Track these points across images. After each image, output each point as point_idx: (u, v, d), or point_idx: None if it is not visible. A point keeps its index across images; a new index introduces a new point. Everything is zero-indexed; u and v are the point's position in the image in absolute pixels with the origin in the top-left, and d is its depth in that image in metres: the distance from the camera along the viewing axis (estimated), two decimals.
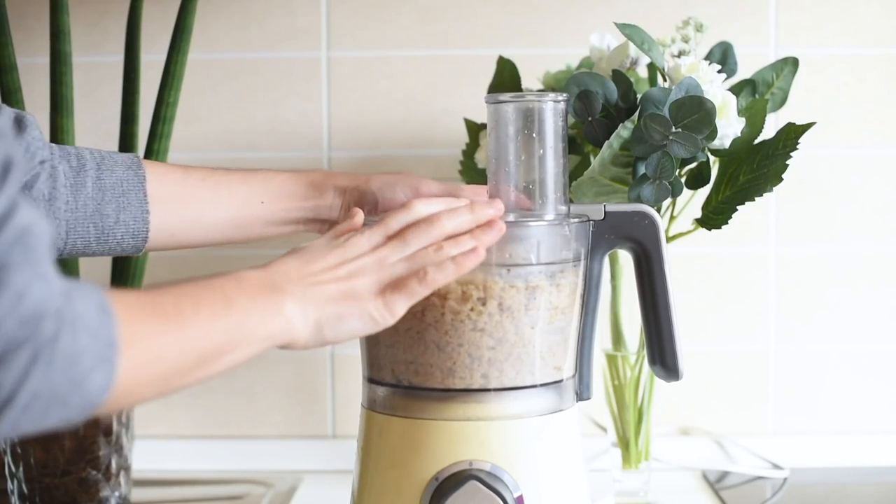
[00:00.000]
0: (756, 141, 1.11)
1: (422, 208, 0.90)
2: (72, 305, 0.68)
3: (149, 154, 1.22)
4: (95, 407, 0.70)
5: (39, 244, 0.66)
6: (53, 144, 0.99)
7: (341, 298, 0.85)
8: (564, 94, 0.98)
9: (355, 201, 1.03)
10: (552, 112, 0.96)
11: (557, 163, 0.97)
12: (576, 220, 0.96)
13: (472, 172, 1.29)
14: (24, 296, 0.64)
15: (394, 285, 0.87)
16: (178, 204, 1.01)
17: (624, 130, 1.05)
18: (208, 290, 0.81)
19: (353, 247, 0.88)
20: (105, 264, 1.30)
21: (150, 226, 0.99)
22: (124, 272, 1.23)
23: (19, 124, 0.96)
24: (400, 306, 0.87)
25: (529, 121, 0.96)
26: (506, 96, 0.97)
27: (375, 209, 1.03)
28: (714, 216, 1.12)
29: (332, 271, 0.86)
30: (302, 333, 0.84)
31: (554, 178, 0.96)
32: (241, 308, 0.81)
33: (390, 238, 0.89)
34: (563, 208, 0.97)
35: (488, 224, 0.91)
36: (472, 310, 0.93)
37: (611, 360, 1.24)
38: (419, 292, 0.87)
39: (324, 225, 1.05)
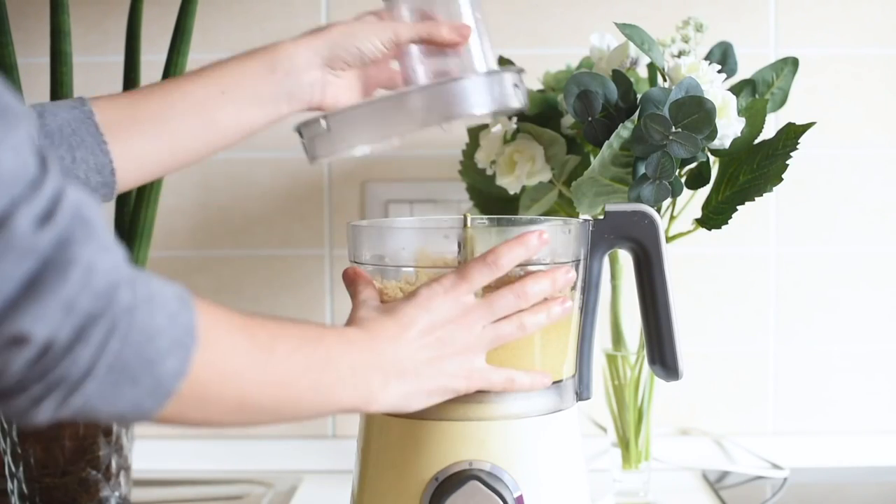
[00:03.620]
0: (756, 141, 1.11)
1: (505, 261, 0.90)
2: (147, 283, 0.67)
3: None
4: (167, 394, 0.69)
5: (95, 218, 0.65)
6: None
7: (433, 380, 0.87)
8: None
9: (338, 62, 0.97)
10: None
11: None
12: (575, 220, 0.96)
13: (472, 172, 1.29)
14: (94, 269, 0.64)
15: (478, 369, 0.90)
16: (134, 123, 0.94)
17: (624, 130, 1.05)
18: (309, 341, 0.81)
19: (439, 309, 0.88)
20: None
21: (113, 156, 0.93)
22: None
23: None
24: (480, 385, 0.90)
25: None
26: None
27: (357, 61, 0.98)
28: (714, 216, 1.12)
29: (423, 338, 0.87)
30: (383, 405, 0.86)
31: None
32: (335, 372, 0.82)
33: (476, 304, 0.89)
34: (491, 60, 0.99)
35: (561, 300, 0.93)
36: None
37: (611, 360, 1.23)
38: (496, 383, 0.91)
39: (306, 105, 0.98)
